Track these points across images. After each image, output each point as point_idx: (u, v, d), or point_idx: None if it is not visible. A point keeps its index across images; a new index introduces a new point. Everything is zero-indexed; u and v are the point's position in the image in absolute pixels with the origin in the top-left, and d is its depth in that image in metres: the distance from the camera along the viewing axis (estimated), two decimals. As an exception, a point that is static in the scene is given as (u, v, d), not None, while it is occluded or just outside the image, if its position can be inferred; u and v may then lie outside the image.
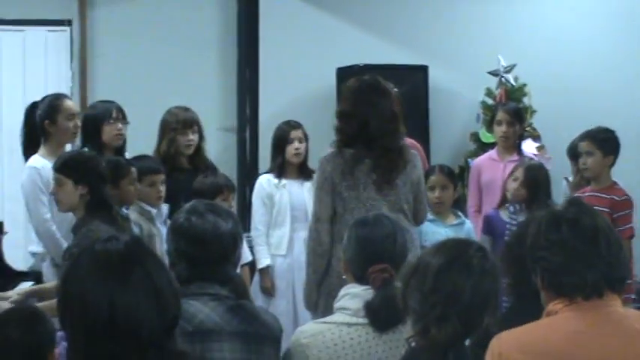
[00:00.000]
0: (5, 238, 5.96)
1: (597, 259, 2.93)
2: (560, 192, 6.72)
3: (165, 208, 5.71)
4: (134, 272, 2.47)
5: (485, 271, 2.80)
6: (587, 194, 5.94)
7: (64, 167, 4.92)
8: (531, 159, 6.53)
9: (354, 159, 5.03)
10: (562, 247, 2.95)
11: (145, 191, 5.60)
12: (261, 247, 6.46)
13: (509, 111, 6.92)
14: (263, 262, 6.45)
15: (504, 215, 5.95)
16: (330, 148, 5.23)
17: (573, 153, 6.27)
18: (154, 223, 5.58)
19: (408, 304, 2.83)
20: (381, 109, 5.07)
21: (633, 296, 5.89)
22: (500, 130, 6.83)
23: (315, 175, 5.54)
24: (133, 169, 5.45)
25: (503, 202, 6.02)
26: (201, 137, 6.31)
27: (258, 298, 6.16)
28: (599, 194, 5.87)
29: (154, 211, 5.63)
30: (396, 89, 6.49)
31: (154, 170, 5.68)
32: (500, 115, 6.88)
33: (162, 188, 5.66)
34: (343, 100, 5.29)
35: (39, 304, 4.92)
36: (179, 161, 6.18)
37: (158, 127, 6.30)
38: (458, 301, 2.74)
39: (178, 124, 6.22)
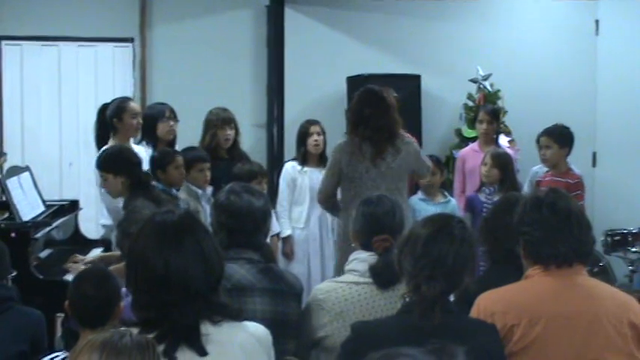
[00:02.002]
0: (81, 213, 5.99)
1: (569, 235, 2.97)
2: (527, 177, 6.71)
3: (209, 189, 5.72)
4: (186, 239, 2.49)
5: (465, 240, 2.80)
6: (547, 178, 5.99)
7: (102, 165, 4.92)
8: (501, 149, 6.54)
9: (357, 146, 5.19)
10: (542, 224, 2.99)
11: (195, 176, 5.63)
12: (284, 220, 6.48)
13: (489, 111, 6.92)
14: (285, 232, 6.46)
15: (482, 196, 5.97)
16: (343, 139, 5.33)
17: (538, 139, 6.31)
18: (199, 202, 5.60)
19: (403, 267, 2.83)
20: (382, 113, 5.21)
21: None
22: (481, 127, 6.84)
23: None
24: (178, 157, 5.47)
25: (481, 186, 6.05)
26: (237, 132, 6.32)
27: (279, 262, 6.18)
28: (556, 178, 5.93)
29: (199, 192, 5.64)
30: (395, 94, 6.57)
31: (202, 159, 5.71)
32: (481, 115, 6.89)
33: (209, 174, 5.69)
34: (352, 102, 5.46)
35: (110, 268, 4.98)
36: (219, 152, 6.18)
37: (202, 124, 6.32)
38: (443, 264, 2.73)
39: (218, 121, 6.22)
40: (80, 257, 5.28)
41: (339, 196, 5.42)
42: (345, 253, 4.98)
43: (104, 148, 5.42)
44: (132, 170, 4.84)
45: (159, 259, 2.45)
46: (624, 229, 6.66)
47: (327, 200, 5.44)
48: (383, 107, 5.24)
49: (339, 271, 4.93)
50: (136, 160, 4.94)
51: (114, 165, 4.85)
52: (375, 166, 5.16)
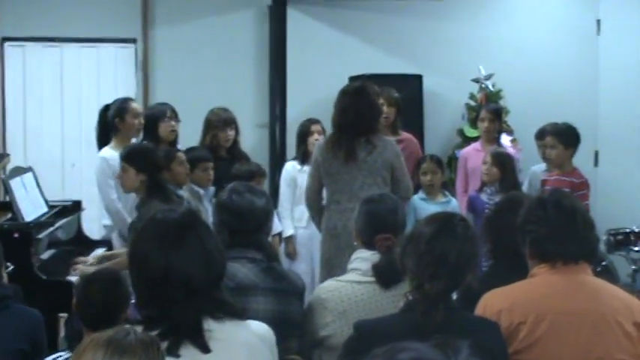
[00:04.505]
0: (83, 214, 6.00)
1: (574, 233, 2.97)
2: (528, 176, 6.72)
3: (211, 189, 5.73)
4: (187, 236, 2.50)
5: (468, 238, 2.80)
6: (553, 178, 5.98)
7: (129, 157, 4.92)
8: (502, 148, 6.55)
9: (331, 141, 5.26)
10: (547, 221, 2.99)
11: (199, 175, 5.64)
12: (286, 220, 6.47)
13: (491, 110, 6.92)
14: (287, 232, 6.46)
15: (484, 197, 5.97)
16: None
17: (540, 136, 6.29)
18: (201, 202, 5.60)
19: (406, 266, 2.83)
20: (353, 107, 5.22)
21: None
22: (483, 125, 6.83)
23: None
24: (180, 154, 5.48)
25: (482, 186, 6.05)
26: (237, 133, 6.32)
27: (283, 262, 6.17)
28: (561, 177, 5.92)
29: (201, 191, 5.65)
30: (397, 94, 6.57)
31: (206, 158, 5.72)
32: (483, 113, 6.88)
33: (212, 173, 5.70)
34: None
35: (109, 262, 4.98)
36: (219, 152, 6.18)
37: (202, 124, 6.32)
38: (445, 262, 2.73)
39: (219, 122, 6.23)
40: (82, 259, 5.29)
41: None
42: (328, 250, 5.13)
43: (134, 142, 5.44)
44: (154, 172, 4.86)
45: (160, 257, 2.46)
46: (627, 229, 6.64)
47: (312, 199, 5.42)
48: (358, 100, 5.25)
49: (327, 269, 4.99)
50: (161, 165, 4.96)
51: (139, 161, 4.86)
52: (349, 160, 5.16)
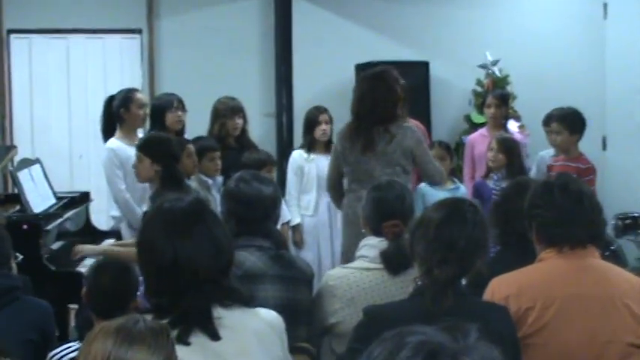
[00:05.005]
0: (91, 205, 6.01)
1: (581, 217, 2.97)
2: (535, 162, 6.70)
3: (220, 179, 5.72)
4: (194, 225, 2.50)
5: (477, 223, 2.79)
6: (559, 163, 5.96)
7: (145, 147, 4.91)
8: (508, 134, 6.52)
9: (350, 130, 5.15)
10: (553, 205, 2.99)
11: (206, 165, 5.63)
12: (293, 209, 6.47)
13: (497, 96, 6.90)
14: (294, 220, 6.45)
15: (490, 183, 5.94)
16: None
17: (546, 122, 6.25)
18: (210, 192, 5.60)
19: (415, 251, 2.82)
20: (371, 94, 5.12)
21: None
22: (489, 111, 6.82)
23: None
24: (190, 145, 5.46)
25: (488, 172, 6.02)
26: (245, 121, 6.30)
27: (290, 250, 6.18)
28: (567, 163, 5.88)
29: (210, 181, 5.65)
30: (403, 81, 6.54)
31: (213, 148, 5.70)
32: (490, 99, 6.86)
33: (219, 162, 5.69)
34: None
35: (120, 249, 4.99)
36: (227, 141, 6.16)
37: (210, 113, 6.31)
38: (455, 247, 2.73)
39: (227, 111, 6.21)
40: (81, 247, 5.27)
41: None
42: (348, 238, 5.01)
43: (150, 132, 5.45)
44: (169, 163, 4.84)
45: (168, 245, 2.46)
46: (635, 213, 6.62)
47: (333, 188, 5.41)
48: (375, 87, 5.15)
49: (346, 256, 4.95)
50: (177, 155, 4.95)
51: (155, 151, 4.85)
52: (366, 151, 5.07)
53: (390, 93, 5.14)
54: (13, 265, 3.61)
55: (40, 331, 3.37)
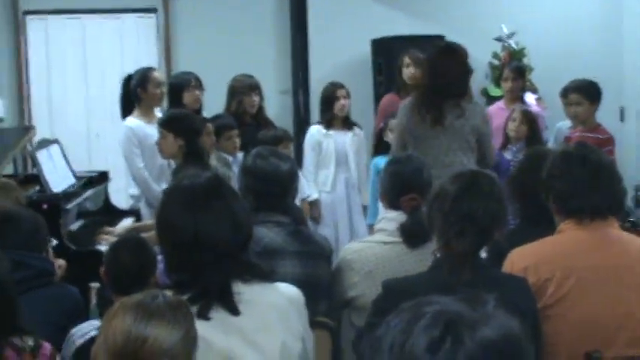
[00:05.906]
0: (110, 184, 6.02)
1: (600, 187, 2.94)
2: (553, 133, 6.67)
3: (240, 155, 5.72)
4: (213, 200, 2.51)
5: (494, 195, 2.77)
6: (576, 135, 5.92)
7: (167, 123, 4.92)
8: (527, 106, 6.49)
9: (418, 103, 5.03)
10: (572, 175, 2.97)
11: (224, 143, 5.63)
12: (311, 184, 6.46)
13: (514, 69, 6.86)
14: (312, 196, 6.43)
15: (508, 155, 5.92)
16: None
17: (564, 94, 6.20)
18: (230, 168, 5.60)
19: (433, 224, 2.82)
20: (445, 68, 5.01)
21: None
22: (506, 84, 6.78)
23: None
24: (208, 124, 5.46)
25: (505, 144, 6.00)
26: (262, 99, 6.30)
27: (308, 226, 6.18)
28: (586, 134, 5.83)
29: (229, 158, 5.65)
30: (421, 55, 6.47)
31: (230, 126, 5.71)
32: (507, 72, 6.83)
33: (237, 140, 5.69)
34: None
35: (143, 234, 5.01)
36: (245, 118, 6.17)
37: (227, 91, 6.31)
38: (472, 219, 2.71)
39: (244, 88, 6.21)
40: (109, 229, 5.32)
41: None
42: None
43: (172, 109, 5.50)
44: (192, 137, 4.84)
45: (188, 222, 2.47)
46: (654, 184, 6.60)
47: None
48: (450, 61, 5.04)
49: None
50: (199, 130, 4.96)
51: (178, 126, 4.85)
52: (436, 124, 4.95)
53: (465, 68, 5.09)
54: (50, 250, 3.63)
55: (71, 317, 3.37)
